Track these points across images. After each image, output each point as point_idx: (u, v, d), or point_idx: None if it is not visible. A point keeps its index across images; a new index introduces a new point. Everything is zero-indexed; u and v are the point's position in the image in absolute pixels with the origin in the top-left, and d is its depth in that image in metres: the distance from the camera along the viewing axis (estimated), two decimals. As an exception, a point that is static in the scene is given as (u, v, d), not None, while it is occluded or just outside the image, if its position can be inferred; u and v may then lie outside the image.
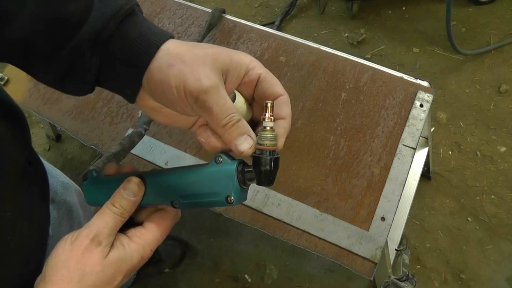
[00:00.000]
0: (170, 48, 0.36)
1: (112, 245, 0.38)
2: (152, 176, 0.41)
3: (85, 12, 0.36)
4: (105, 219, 0.38)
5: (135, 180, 0.40)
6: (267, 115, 0.36)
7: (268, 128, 0.36)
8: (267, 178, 0.36)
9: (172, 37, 0.38)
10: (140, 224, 0.42)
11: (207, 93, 0.34)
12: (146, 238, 0.40)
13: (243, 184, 0.37)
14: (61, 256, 0.37)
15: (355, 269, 0.75)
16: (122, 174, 0.43)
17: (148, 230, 0.41)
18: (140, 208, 0.42)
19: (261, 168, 0.35)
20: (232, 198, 0.36)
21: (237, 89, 0.39)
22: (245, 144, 0.36)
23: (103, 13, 0.36)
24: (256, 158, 0.36)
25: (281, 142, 0.37)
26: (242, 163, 0.37)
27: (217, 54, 0.36)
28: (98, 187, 0.43)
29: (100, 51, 0.37)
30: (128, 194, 0.39)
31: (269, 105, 0.36)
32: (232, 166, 0.37)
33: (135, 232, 0.40)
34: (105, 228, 0.38)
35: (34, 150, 0.55)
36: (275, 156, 0.35)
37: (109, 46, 0.37)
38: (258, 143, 0.36)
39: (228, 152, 0.38)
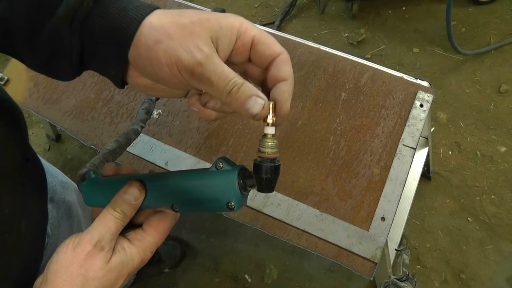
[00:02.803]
0: (154, 22, 0.34)
1: (113, 250, 0.39)
2: (152, 180, 0.41)
3: None
4: (107, 224, 0.38)
5: (136, 184, 0.40)
6: (270, 116, 0.35)
7: (269, 135, 0.36)
8: (267, 185, 0.36)
9: (157, 8, 0.35)
10: (138, 225, 0.42)
11: (202, 65, 0.32)
12: (146, 241, 0.40)
13: (244, 190, 0.37)
14: (62, 261, 0.37)
15: (355, 269, 0.75)
16: (121, 176, 0.43)
17: (148, 232, 0.41)
18: (139, 209, 0.42)
19: (262, 176, 0.35)
20: (233, 203, 0.36)
21: (231, 56, 0.37)
22: (256, 106, 0.34)
23: None
24: (257, 165, 0.36)
25: (286, 107, 0.35)
26: (243, 169, 0.37)
27: (204, 21, 0.34)
28: (96, 188, 0.43)
29: (80, 30, 0.35)
30: (129, 199, 0.39)
31: (270, 106, 0.35)
32: (233, 173, 0.37)
33: (135, 235, 0.40)
34: (107, 233, 0.38)
35: (31, 147, 0.55)
36: (275, 164, 0.35)
37: (89, 24, 0.35)
38: (259, 150, 0.36)
39: (227, 158, 0.38)
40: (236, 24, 0.35)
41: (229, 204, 0.36)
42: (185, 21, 0.33)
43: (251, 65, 0.39)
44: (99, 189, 0.43)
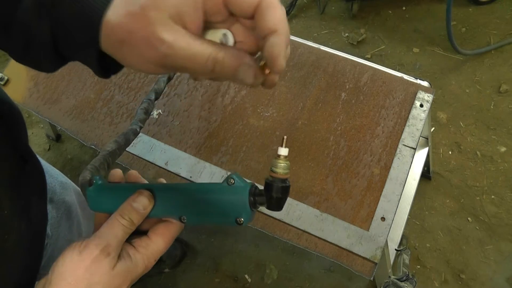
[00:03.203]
0: (112, 19, 0.30)
1: (119, 256, 0.39)
2: (162, 190, 0.41)
3: None
4: (114, 230, 0.39)
5: (146, 193, 0.40)
6: (266, 71, 0.35)
7: (282, 156, 0.37)
8: (277, 204, 0.37)
9: None
10: (143, 232, 0.42)
11: (168, 56, 0.30)
12: (151, 248, 0.40)
13: (254, 207, 0.38)
14: (68, 264, 0.37)
15: (355, 269, 0.75)
16: (129, 184, 0.44)
17: (153, 240, 0.41)
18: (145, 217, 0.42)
19: (273, 195, 0.36)
20: (242, 219, 0.37)
21: (209, 18, 0.32)
22: (247, 76, 0.31)
23: None
24: (269, 184, 0.37)
25: (279, 64, 0.31)
26: (253, 186, 0.38)
27: (157, 1, 0.29)
28: (103, 194, 0.43)
29: (49, 18, 0.32)
30: (137, 207, 0.39)
31: (285, 139, 0.36)
32: (245, 190, 0.37)
33: (140, 243, 0.41)
34: (114, 240, 0.38)
35: (30, 148, 0.55)
36: (286, 185, 0.36)
37: (58, 11, 0.32)
38: (271, 170, 0.37)
39: (238, 174, 0.39)
40: None
41: (238, 220, 0.37)
42: (136, 10, 0.30)
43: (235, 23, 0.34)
44: (106, 195, 0.43)
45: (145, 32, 0.29)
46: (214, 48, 0.30)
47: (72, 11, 0.32)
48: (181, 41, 0.29)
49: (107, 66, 0.35)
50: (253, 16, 0.32)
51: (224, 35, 0.33)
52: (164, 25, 0.29)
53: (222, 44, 0.33)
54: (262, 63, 0.32)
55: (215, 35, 0.33)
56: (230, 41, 0.33)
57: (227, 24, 0.34)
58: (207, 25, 0.33)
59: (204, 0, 0.30)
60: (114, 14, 0.30)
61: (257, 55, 0.35)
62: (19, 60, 0.38)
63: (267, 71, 0.33)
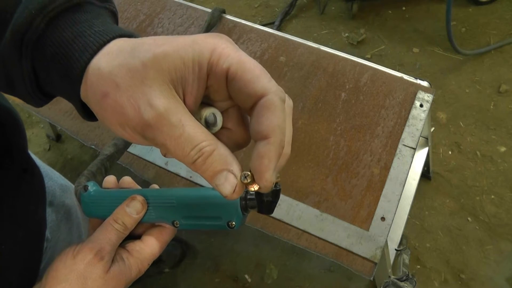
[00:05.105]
0: (102, 67, 0.27)
1: (112, 260, 0.39)
2: (155, 195, 0.42)
3: (13, 8, 0.29)
4: (108, 234, 0.39)
5: (139, 198, 0.41)
6: (253, 187, 0.36)
7: None
8: (267, 208, 0.37)
9: (113, 38, 0.29)
10: (136, 236, 0.42)
11: (152, 128, 0.25)
12: (144, 252, 0.41)
13: (245, 210, 0.38)
14: (62, 269, 0.37)
15: (355, 269, 0.75)
16: (123, 189, 0.44)
17: (147, 244, 0.41)
18: (139, 222, 0.43)
19: (263, 198, 0.36)
20: (234, 223, 0.38)
21: (208, 93, 0.29)
22: (226, 186, 0.27)
23: (28, 7, 0.28)
24: None
25: (266, 179, 0.26)
26: (245, 190, 0.39)
27: (160, 60, 0.26)
28: (97, 200, 0.44)
29: (31, 55, 0.30)
30: (131, 212, 0.40)
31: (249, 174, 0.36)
32: None
33: (134, 247, 0.41)
34: (107, 244, 0.38)
35: (30, 156, 0.55)
36: (276, 188, 0.36)
37: (42, 48, 0.29)
38: None
39: None
40: (205, 53, 0.26)
41: (229, 223, 0.38)
42: (136, 64, 0.26)
43: (232, 111, 0.30)
44: (99, 200, 0.44)
45: (135, 91, 0.25)
46: (207, 139, 0.26)
47: (57, 49, 0.29)
48: (172, 115, 0.25)
49: (92, 112, 0.31)
50: (250, 110, 0.27)
51: (213, 115, 0.29)
52: (160, 89, 0.26)
53: (209, 127, 0.29)
54: (247, 173, 0.27)
55: (204, 112, 0.29)
56: (218, 124, 0.29)
57: (224, 104, 0.30)
58: (203, 99, 0.29)
59: (209, 72, 0.27)
60: (106, 61, 0.27)
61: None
62: (7, 93, 0.36)
63: (255, 187, 0.28)
